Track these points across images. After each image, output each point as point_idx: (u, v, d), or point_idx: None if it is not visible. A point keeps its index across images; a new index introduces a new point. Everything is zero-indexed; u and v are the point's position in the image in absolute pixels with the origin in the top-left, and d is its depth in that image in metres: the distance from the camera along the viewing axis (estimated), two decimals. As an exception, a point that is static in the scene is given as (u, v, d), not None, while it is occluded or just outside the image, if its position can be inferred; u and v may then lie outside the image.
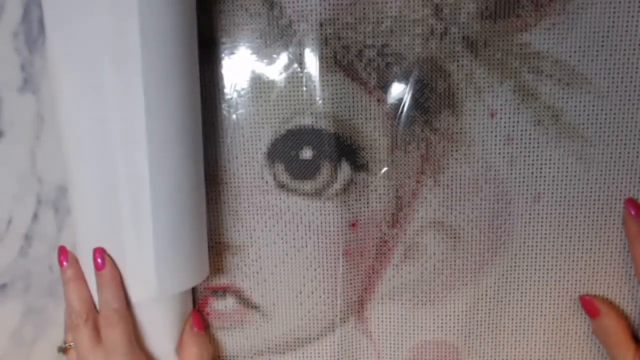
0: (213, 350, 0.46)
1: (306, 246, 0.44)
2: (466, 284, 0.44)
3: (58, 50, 0.36)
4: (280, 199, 0.43)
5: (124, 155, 0.36)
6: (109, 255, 0.39)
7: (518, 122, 0.40)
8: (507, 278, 0.43)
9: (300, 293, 0.45)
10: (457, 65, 0.39)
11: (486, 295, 0.44)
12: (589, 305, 0.42)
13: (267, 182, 0.43)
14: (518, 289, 0.44)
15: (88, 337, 0.40)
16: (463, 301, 0.44)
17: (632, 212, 0.40)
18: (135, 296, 0.39)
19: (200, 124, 0.39)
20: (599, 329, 0.42)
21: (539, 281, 0.43)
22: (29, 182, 0.45)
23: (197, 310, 0.45)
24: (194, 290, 0.45)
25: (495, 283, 0.44)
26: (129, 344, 0.40)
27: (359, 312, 0.45)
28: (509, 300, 0.44)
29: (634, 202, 0.40)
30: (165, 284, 0.39)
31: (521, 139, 0.40)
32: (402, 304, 0.44)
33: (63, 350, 0.43)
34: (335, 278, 0.44)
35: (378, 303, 0.45)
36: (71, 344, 0.43)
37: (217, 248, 0.44)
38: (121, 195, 0.37)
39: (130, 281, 0.39)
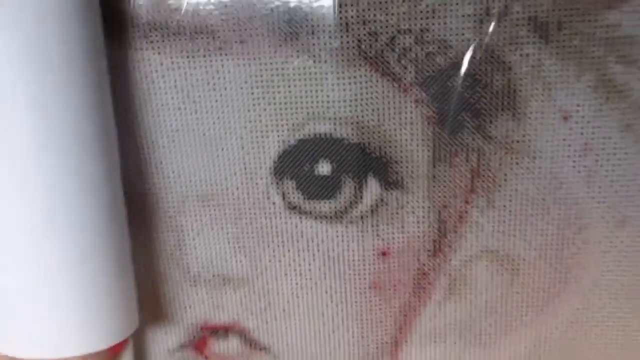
0: None
1: (325, 278, 0.40)
2: (526, 326, 0.40)
3: None
4: (291, 223, 0.39)
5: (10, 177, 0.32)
6: None
7: (599, 127, 0.35)
8: (576, 319, 0.40)
9: (319, 333, 0.41)
10: (521, 55, 0.34)
11: (550, 338, 0.40)
12: None
13: (274, 203, 0.38)
14: (590, 332, 0.40)
15: None
16: (522, 346, 0.40)
17: None
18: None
19: (115, 134, 0.35)
20: None
21: (616, 324, 0.39)
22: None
23: None
24: (186, 329, 0.42)
25: (561, 325, 0.40)
26: None
27: (392, 356, 0.42)
28: (579, 346, 0.40)
29: None
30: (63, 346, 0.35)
31: (603, 149, 0.35)
32: (445, 347, 0.41)
33: None
34: (362, 315, 0.40)
35: (416, 346, 0.41)
36: None
37: (214, 281, 0.41)
38: None
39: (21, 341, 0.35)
